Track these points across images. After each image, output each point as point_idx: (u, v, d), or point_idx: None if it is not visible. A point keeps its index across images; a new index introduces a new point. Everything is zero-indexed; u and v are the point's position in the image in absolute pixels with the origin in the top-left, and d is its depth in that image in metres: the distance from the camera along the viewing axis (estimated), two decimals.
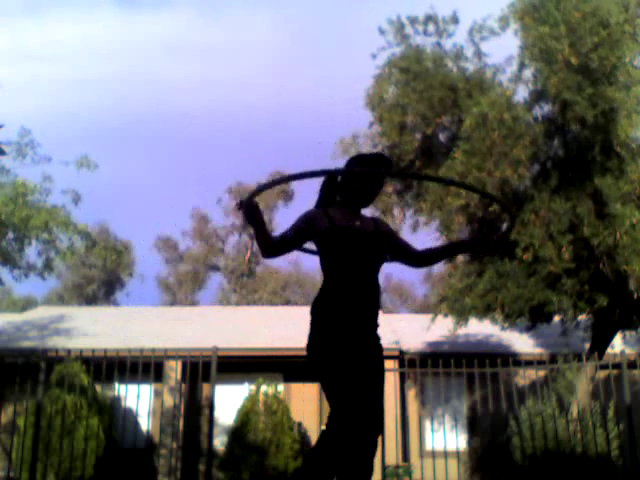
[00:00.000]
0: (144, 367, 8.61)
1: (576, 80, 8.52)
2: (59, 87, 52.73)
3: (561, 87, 8.60)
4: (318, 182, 3.33)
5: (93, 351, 8.47)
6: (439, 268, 22.12)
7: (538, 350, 13.26)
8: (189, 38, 53.28)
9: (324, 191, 3.23)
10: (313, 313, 3.02)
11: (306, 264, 35.92)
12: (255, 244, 36.34)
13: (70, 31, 53.67)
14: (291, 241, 3.05)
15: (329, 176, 3.21)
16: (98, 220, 30.86)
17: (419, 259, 3.24)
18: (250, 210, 2.90)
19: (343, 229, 3.04)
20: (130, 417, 10.78)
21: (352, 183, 3.13)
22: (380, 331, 3.14)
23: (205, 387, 12.73)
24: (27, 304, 31.04)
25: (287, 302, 33.26)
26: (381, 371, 3.02)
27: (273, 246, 2.99)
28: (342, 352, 2.87)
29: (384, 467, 9.85)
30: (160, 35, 55.28)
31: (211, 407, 9.00)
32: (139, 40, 55.96)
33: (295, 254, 3.35)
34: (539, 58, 9.02)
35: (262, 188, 3.08)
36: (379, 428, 2.88)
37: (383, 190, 10.18)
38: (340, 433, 2.76)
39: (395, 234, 3.31)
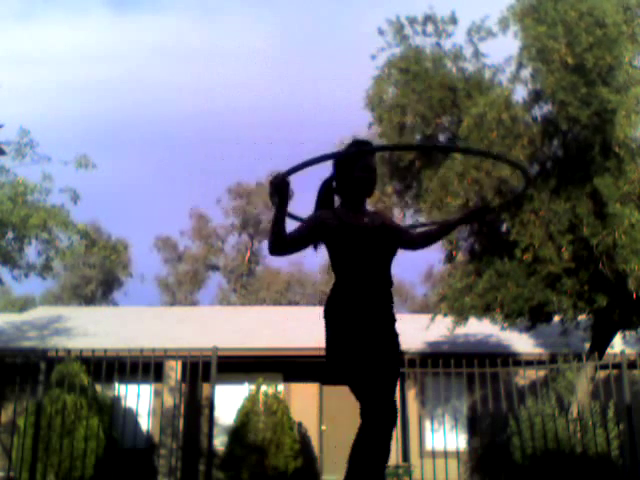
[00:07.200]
0: (144, 367, 8.62)
1: (571, 80, 8.52)
2: (58, 90, 52.70)
3: (556, 87, 8.60)
4: (317, 184, 3.32)
5: (93, 351, 8.48)
6: (439, 268, 22.09)
7: (538, 350, 13.26)
8: (184, 40, 53.29)
9: (322, 195, 3.21)
10: (328, 315, 2.99)
11: (307, 264, 35.90)
12: (255, 245, 36.57)
13: (67, 35, 53.70)
14: (301, 239, 2.97)
15: (327, 180, 3.22)
16: (91, 219, 30.74)
17: (418, 243, 3.35)
18: (282, 185, 2.79)
19: (352, 226, 3.04)
20: (130, 417, 10.78)
21: (349, 175, 3.09)
22: None
23: (205, 387, 12.72)
24: (25, 304, 31.01)
25: (289, 303, 33.20)
26: (399, 365, 3.09)
27: (285, 240, 2.89)
28: (364, 350, 2.88)
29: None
30: (159, 38, 55.31)
31: (211, 407, 9.01)
32: (136, 42, 55.98)
33: (295, 255, 3.34)
34: (537, 58, 9.02)
35: (299, 167, 2.85)
36: (396, 419, 2.97)
37: (383, 189, 10.16)
38: (374, 426, 2.81)
39: (398, 225, 3.40)
